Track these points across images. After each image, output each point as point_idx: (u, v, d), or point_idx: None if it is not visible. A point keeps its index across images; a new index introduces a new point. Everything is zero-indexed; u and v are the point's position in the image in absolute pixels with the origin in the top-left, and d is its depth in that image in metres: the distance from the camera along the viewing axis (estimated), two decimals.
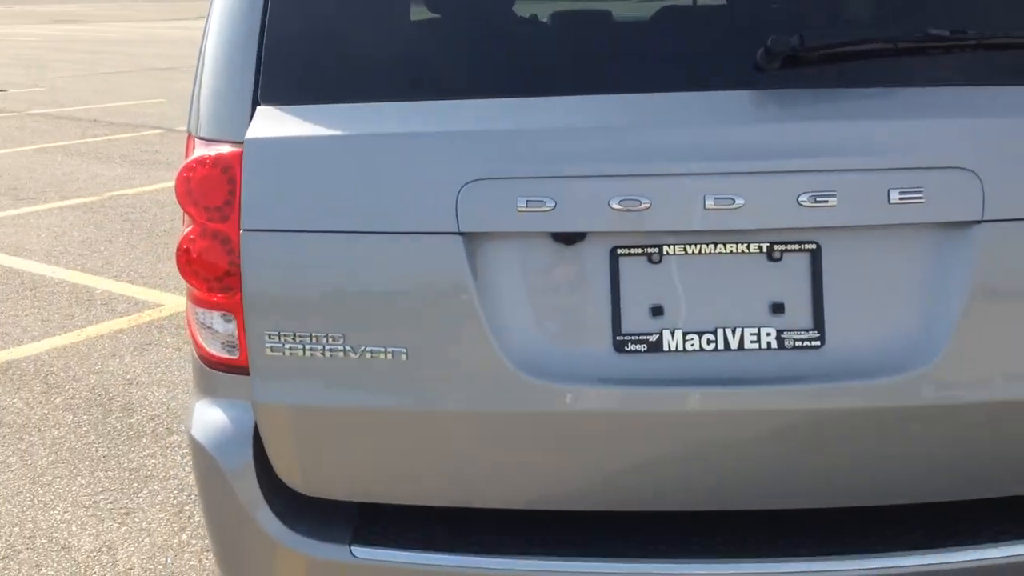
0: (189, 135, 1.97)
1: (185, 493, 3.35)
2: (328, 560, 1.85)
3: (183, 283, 5.70)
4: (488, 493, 1.88)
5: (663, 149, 1.72)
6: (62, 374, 4.41)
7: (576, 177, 1.73)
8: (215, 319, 1.91)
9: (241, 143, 1.83)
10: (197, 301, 1.92)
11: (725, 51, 1.82)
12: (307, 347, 1.83)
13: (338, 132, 1.81)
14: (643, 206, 1.71)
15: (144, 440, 3.76)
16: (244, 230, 1.82)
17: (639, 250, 1.77)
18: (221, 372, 1.93)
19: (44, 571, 2.94)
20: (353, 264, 1.80)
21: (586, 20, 2.20)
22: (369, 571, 1.84)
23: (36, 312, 5.26)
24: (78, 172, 9.06)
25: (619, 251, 1.77)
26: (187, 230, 1.89)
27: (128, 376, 4.37)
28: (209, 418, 1.92)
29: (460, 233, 1.75)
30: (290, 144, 1.82)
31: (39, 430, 3.87)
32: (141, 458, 3.62)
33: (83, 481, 3.46)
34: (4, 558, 3.01)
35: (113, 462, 3.60)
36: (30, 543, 3.08)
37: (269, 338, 1.84)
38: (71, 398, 4.15)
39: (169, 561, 2.96)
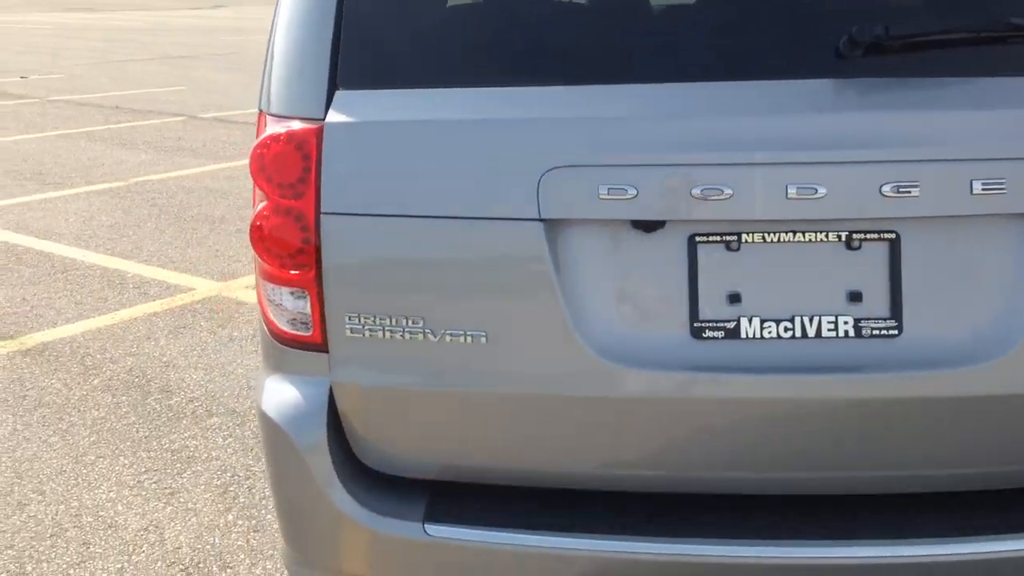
0: (261, 113, 1.98)
1: (228, 474, 3.37)
2: (401, 537, 1.86)
3: (215, 268, 5.78)
4: (563, 474, 1.90)
5: (746, 138, 1.72)
6: (99, 356, 4.43)
7: (659, 165, 1.73)
8: (287, 296, 1.92)
9: (315, 120, 1.85)
10: (268, 277, 1.93)
11: (806, 38, 1.82)
12: (387, 329, 1.84)
13: (419, 117, 1.82)
14: (725, 195, 1.72)
15: (184, 422, 3.78)
16: (324, 213, 1.83)
17: (717, 238, 1.77)
18: (292, 348, 1.94)
19: (92, 549, 2.96)
20: (433, 248, 1.81)
21: (662, 6, 2.21)
22: (441, 549, 1.85)
23: (69, 295, 5.29)
24: (103, 158, 9.09)
25: (697, 239, 1.77)
26: (260, 206, 1.90)
27: (164, 359, 4.39)
28: (281, 394, 1.93)
29: (541, 220, 1.76)
30: (371, 129, 1.83)
31: (79, 411, 3.89)
32: (182, 439, 3.64)
33: (126, 461, 3.48)
34: (52, 536, 3.03)
35: (155, 443, 3.62)
36: (77, 521, 3.10)
37: (349, 320, 1.85)
38: (109, 379, 4.17)
39: (217, 541, 2.98)
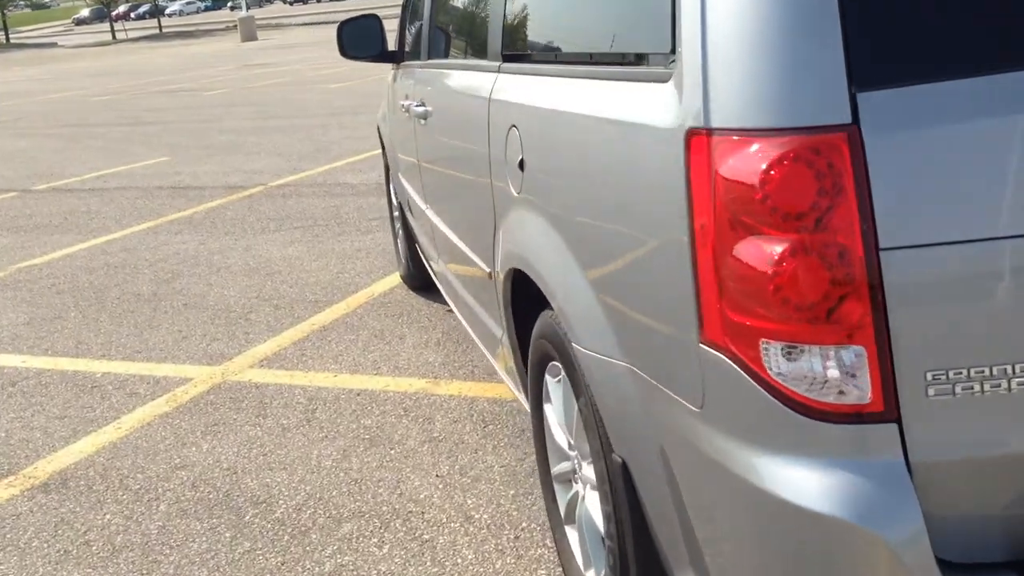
0: (703, 132, 1.54)
1: None
2: None
3: (194, 351, 5.03)
4: None
5: None
6: (139, 475, 3.68)
7: None
8: (823, 356, 1.50)
9: (835, 128, 1.45)
10: (786, 336, 1.50)
11: None
12: (986, 383, 1.46)
13: (986, 113, 1.45)
14: None
15: (313, 536, 3.15)
16: (883, 249, 1.44)
17: None
18: (827, 423, 1.51)
19: None
20: None
21: None
22: None
23: (42, 410, 4.42)
24: None
25: None
26: (774, 251, 1.47)
27: (224, 465, 3.69)
28: (840, 485, 1.49)
29: None
30: (929, 136, 1.44)
31: (170, 546, 3.17)
32: (325, 558, 3.02)
33: None
34: None
35: (299, 568, 2.98)
36: None
37: (934, 379, 1.46)
38: (178, 502, 3.45)
39: None
